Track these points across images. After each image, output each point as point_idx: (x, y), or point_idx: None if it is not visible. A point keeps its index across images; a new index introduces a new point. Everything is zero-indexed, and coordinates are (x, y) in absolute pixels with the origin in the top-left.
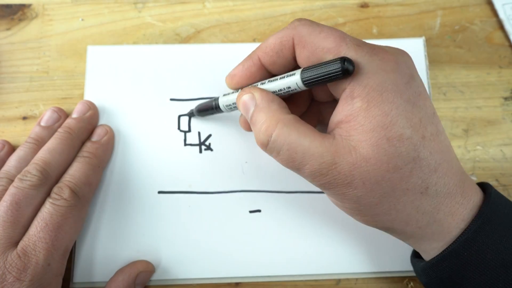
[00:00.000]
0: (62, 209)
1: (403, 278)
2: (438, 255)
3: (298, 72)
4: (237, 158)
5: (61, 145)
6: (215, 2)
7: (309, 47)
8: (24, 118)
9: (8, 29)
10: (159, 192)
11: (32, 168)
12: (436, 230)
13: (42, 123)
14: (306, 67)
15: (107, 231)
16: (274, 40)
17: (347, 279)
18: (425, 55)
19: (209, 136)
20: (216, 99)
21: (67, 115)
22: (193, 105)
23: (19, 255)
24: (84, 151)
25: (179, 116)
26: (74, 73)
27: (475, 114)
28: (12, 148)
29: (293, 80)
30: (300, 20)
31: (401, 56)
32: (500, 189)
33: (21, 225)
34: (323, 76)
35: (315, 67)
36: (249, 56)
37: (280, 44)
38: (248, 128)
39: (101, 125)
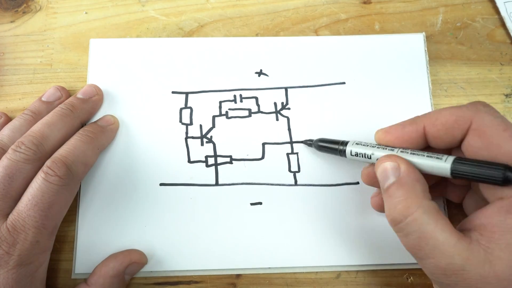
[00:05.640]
0: (55, 187)
1: (403, 271)
2: None
3: (449, 161)
4: (239, 150)
5: (61, 122)
6: None
7: (485, 139)
8: None
9: (12, 21)
10: (161, 184)
11: (27, 141)
12: None
13: (43, 98)
14: (460, 159)
15: (108, 223)
16: (449, 116)
17: (347, 272)
18: (425, 51)
19: (211, 129)
20: (343, 144)
21: (69, 95)
22: (194, 99)
23: (8, 229)
24: (87, 129)
25: (181, 109)
26: (77, 66)
27: None
28: (9, 120)
29: (440, 167)
30: (485, 105)
31: None
32: None
33: (12, 198)
34: (477, 176)
35: (471, 163)
36: (413, 121)
37: (454, 122)
38: (370, 183)
39: (110, 115)
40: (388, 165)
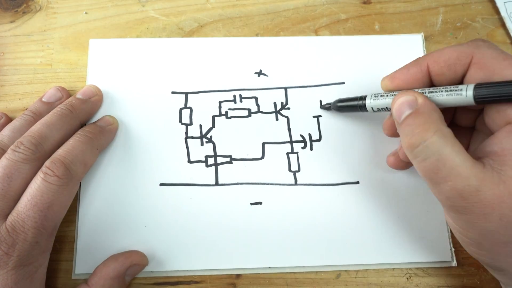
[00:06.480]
0: (54, 187)
1: (403, 271)
2: None
3: (470, 89)
4: (239, 150)
5: (60, 121)
6: None
7: (487, 70)
8: None
9: (12, 21)
10: (161, 185)
11: (26, 141)
12: None
13: (44, 99)
14: (479, 84)
15: (108, 223)
16: (451, 52)
17: (347, 272)
18: (423, 51)
19: (211, 129)
20: (362, 98)
21: (69, 96)
22: (194, 99)
23: (8, 230)
24: (86, 130)
25: (181, 109)
26: (77, 66)
27: None
28: (10, 121)
29: (462, 96)
30: (484, 41)
31: None
32: None
33: (11, 198)
34: (502, 95)
35: (492, 85)
36: (417, 62)
37: (456, 58)
38: (392, 134)
39: (109, 115)
40: (405, 99)
